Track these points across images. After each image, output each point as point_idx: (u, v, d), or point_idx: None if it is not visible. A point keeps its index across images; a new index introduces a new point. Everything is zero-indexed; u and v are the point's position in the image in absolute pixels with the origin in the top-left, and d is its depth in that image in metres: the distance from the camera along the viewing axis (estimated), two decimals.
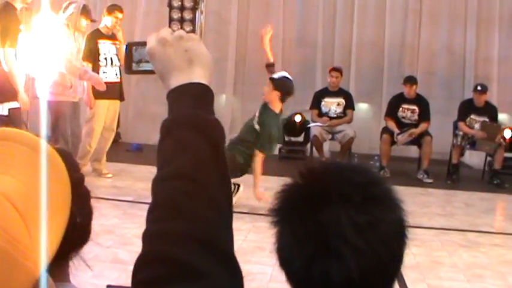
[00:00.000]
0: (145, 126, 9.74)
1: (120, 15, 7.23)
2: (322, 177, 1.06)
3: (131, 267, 0.87)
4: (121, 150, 9.34)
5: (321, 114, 9.28)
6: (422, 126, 8.88)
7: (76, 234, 0.84)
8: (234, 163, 5.90)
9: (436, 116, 9.33)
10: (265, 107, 6.23)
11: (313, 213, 1.00)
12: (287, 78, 6.29)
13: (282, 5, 10.70)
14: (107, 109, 7.20)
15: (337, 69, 9.42)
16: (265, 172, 6.36)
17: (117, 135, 9.09)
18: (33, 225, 0.73)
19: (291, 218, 1.04)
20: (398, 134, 8.82)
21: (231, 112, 10.51)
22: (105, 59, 7.09)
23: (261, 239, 5.01)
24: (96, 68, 7.02)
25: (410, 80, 9.05)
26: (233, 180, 6.26)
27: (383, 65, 10.59)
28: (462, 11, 10.43)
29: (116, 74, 7.18)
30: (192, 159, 0.92)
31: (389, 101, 9.37)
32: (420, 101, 9.05)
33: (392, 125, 8.97)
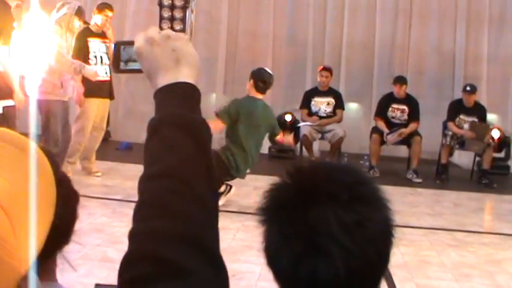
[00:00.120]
0: (134, 124, 9.71)
1: (110, 14, 7.21)
2: (310, 177, 1.07)
3: None
4: (110, 148, 9.32)
5: (310, 114, 9.29)
6: (412, 126, 8.91)
7: (56, 233, 0.84)
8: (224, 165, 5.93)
9: (426, 116, 9.37)
10: None
11: (301, 212, 1.01)
12: (262, 68, 6.56)
13: (272, 4, 10.70)
14: (97, 107, 7.18)
15: (327, 69, 9.43)
16: (255, 171, 6.37)
17: (107, 134, 9.07)
18: (19, 223, 0.73)
19: (279, 217, 1.04)
20: (388, 134, 8.85)
21: None
22: (95, 57, 7.07)
23: (250, 237, 5.01)
24: None
25: (400, 80, 9.08)
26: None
27: (373, 64, 10.63)
28: (452, 12, 10.48)
29: (106, 73, 7.15)
30: (179, 158, 0.92)
31: (379, 100, 9.40)
32: (410, 101, 9.08)
33: (382, 125, 9.00)
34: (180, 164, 0.92)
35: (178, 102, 0.98)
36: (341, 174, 1.06)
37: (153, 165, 0.93)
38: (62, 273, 1.27)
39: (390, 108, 9.07)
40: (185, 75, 1.01)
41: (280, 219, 1.04)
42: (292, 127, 9.41)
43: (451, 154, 9.08)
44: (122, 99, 10.41)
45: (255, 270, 4.29)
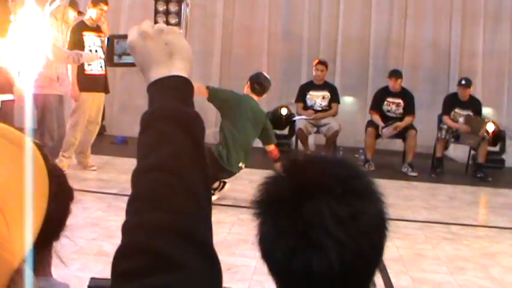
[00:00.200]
0: (130, 119, 9.69)
1: (105, 8, 7.18)
2: (304, 171, 1.07)
3: None
4: (106, 143, 9.31)
5: (306, 107, 9.29)
6: (407, 120, 8.92)
7: (47, 228, 0.84)
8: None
9: (421, 110, 9.39)
10: None
11: (295, 206, 1.01)
12: (260, 72, 6.70)
13: None
14: (92, 102, 7.16)
15: (323, 63, 9.43)
16: (250, 165, 6.37)
17: (102, 128, 9.06)
18: (12, 216, 0.73)
19: (273, 210, 1.05)
20: (383, 128, 8.86)
21: None
22: (90, 51, 7.04)
23: (245, 231, 5.02)
24: None
25: (395, 74, 9.09)
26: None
27: (368, 58, 10.63)
28: (447, 6, 10.48)
29: (101, 67, 7.13)
30: (172, 152, 0.92)
31: (374, 94, 9.40)
32: (405, 95, 9.09)
33: (377, 119, 9.01)
34: (173, 158, 0.92)
35: (171, 95, 0.98)
36: (335, 168, 1.07)
37: (146, 158, 0.93)
38: (56, 268, 1.27)
39: (385, 102, 9.07)
40: (178, 68, 1.01)
41: (274, 213, 1.04)
42: (288, 121, 9.44)
43: (446, 148, 9.10)
44: (117, 93, 10.40)
45: (250, 264, 4.29)
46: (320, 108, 9.28)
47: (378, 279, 1.09)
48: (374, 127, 8.96)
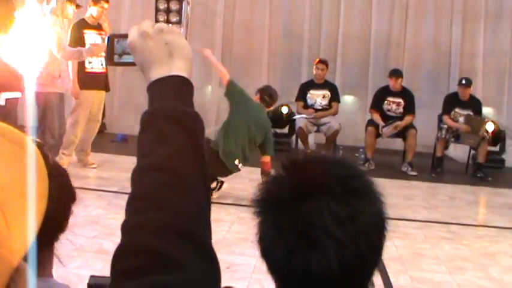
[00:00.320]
0: (130, 117, 9.69)
1: (106, 5, 7.18)
2: (304, 170, 1.08)
3: None
4: (106, 140, 9.31)
5: (306, 106, 9.29)
6: (407, 119, 8.92)
7: (47, 228, 0.85)
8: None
9: (421, 109, 9.39)
10: None
11: (295, 205, 1.02)
12: (268, 85, 7.02)
13: None
14: (93, 99, 7.17)
15: (323, 62, 9.43)
16: (250, 164, 6.37)
17: (102, 126, 9.06)
18: (11, 215, 0.74)
19: (273, 209, 1.05)
20: (383, 127, 8.86)
21: (217, 103, 10.49)
22: None
23: (245, 230, 5.02)
24: None
25: (396, 73, 9.09)
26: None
27: (369, 58, 10.63)
28: (448, 6, 10.48)
29: (102, 65, 7.13)
30: (171, 151, 0.93)
31: (374, 93, 9.41)
32: (405, 94, 9.09)
33: (377, 118, 9.01)
34: (173, 157, 0.92)
35: (171, 95, 0.99)
36: (335, 168, 1.07)
37: (146, 158, 0.94)
38: (55, 266, 1.28)
39: (386, 101, 9.07)
40: (178, 68, 1.02)
41: (274, 212, 1.05)
42: (288, 119, 9.44)
43: (446, 147, 9.10)
44: (118, 91, 10.40)
45: (249, 262, 4.29)
46: (320, 107, 9.28)
47: (377, 278, 1.09)
48: (374, 126, 8.96)
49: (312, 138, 9.59)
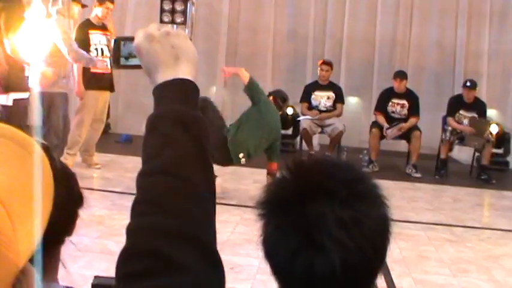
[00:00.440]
0: (135, 117, 9.71)
1: (111, 6, 7.20)
2: (308, 173, 1.08)
3: None
4: (110, 141, 9.33)
5: (310, 108, 9.29)
6: (412, 121, 8.91)
7: (51, 232, 0.85)
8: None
9: (426, 111, 9.37)
10: None
11: (299, 208, 1.02)
12: (279, 89, 7.33)
13: None
14: (97, 100, 7.18)
15: (328, 63, 9.43)
16: (255, 165, 6.37)
17: (107, 126, 9.07)
18: (17, 217, 0.74)
19: (277, 211, 1.05)
20: (387, 129, 8.85)
21: (222, 104, 10.50)
22: (96, 49, 7.06)
23: (249, 231, 5.02)
24: None
25: (400, 75, 9.08)
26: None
27: (373, 59, 10.63)
28: (453, 7, 10.48)
29: (107, 65, 7.14)
30: (176, 155, 0.93)
31: (379, 95, 9.39)
32: (410, 96, 9.08)
33: (381, 119, 9.00)
34: (178, 161, 0.93)
35: (177, 98, 0.99)
36: (339, 171, 1.07)
37: (151, 161, 0.94)
38: (59, 267, 1.28)
39: (390, 103, 9.06)
40: (184, 71, 1.02)
41: (278, 214, 1.05)
42: (293, 120, 9.44)
43: (450, 149, 9.08)
44: (122, 91, 10.41)
45: (253, 264, 4.30)
46: (325, 109, 9.27)
47: (380, 281, 1.09)
48: (378, 128, 8.95)
49: (316, 140, 9.59)
